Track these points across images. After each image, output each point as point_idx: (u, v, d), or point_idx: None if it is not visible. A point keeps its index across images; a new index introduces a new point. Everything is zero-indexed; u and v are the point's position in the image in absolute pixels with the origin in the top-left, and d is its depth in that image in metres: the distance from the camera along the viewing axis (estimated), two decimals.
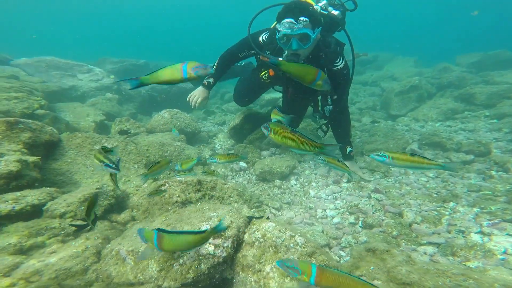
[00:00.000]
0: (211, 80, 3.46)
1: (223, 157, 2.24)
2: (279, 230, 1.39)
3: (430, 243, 2.22)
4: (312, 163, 3.86)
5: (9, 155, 2.09)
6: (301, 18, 2.46)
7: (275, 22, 3.48)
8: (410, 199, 2.87)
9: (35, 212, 1.85)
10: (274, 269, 1.27)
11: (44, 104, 4.23)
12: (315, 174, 3.52)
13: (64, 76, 6.58)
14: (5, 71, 5.63)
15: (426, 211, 2.64)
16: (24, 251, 1.52)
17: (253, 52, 3.22)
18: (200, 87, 3.51)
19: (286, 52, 2.73)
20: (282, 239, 1.35)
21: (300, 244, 1.32)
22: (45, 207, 1.85)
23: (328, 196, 3.03)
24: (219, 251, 1.29)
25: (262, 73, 3.27)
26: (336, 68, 2.93)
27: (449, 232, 2.33)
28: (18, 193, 1.89)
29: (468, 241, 2.14)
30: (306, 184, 3.29)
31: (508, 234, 2.21)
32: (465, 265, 1.93)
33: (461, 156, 3.71)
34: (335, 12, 3.11)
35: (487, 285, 1.35)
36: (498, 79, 6.24)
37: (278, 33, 2.63)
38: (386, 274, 1.29)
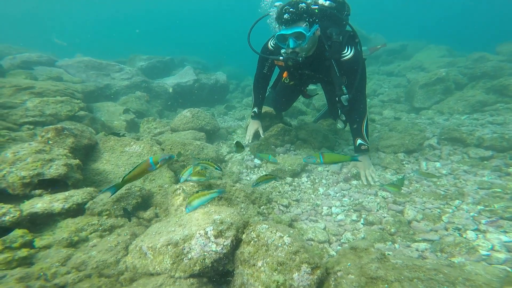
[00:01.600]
0: (255, 109, 3.77)
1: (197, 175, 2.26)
2: (271, 232, 1.64)
3: (425, 240, 2.35)
4: None
5: (58, 159, 2.53)
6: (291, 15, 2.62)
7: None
8: (417, 196, 2.94)
9: (79, 209, 2.27)
10: (265, 264, 1.53)
11: (83, 106, 4.79)
12: (327, 170, 3.67)
13: (99, 76, 7.17)
14: (52, 72, 6.35)
15: (430, 209, 2.72)
16: (73, 244, 1.92)
17: (270, 60, 3.37)
18: (250, 119, 3.88)
19: (285, 50, 2.89)
20: (272, 239, 1.60)
21: (287, 243, 1.56)
22: (86, 205, 2.26)
23: (337, 193, 3.18)
24: (220, 248, 1.57)
25: (283, 78, 3.37)
26: (344, 58, 2.96)
27: (446, 229, 2.43)
28: (67, 193, 2.31)
29: (456, 238, 2.24)
30: (317, 181, 3.46)
31: (503, 232, 2.30)
32: (450, 260, 2.07)
33: (479, 152, 3.65)
34: (326, 3, 3.14)
35: (453, 279, 1.55)
36: None
37: (276, 34, 2.81)
38: (359, 269, 1.49)
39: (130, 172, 1.73)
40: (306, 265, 1.48)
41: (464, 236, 2.35)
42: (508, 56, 7.29)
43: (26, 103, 4.19)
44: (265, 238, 1.60)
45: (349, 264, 1.55)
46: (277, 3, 3.05)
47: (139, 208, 2.43)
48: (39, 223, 2.07)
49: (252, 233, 1.65)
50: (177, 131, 4.58)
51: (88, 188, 2.46)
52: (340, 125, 3.39)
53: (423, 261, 1.97)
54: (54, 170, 2.42)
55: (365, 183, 3.21)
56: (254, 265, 1.55)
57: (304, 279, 1.47)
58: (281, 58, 2.99)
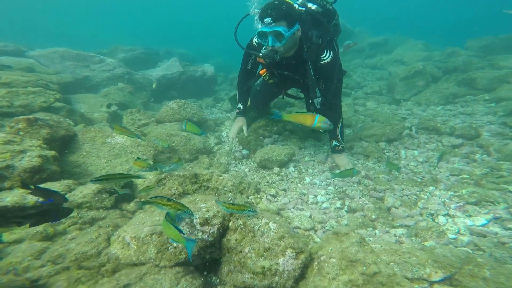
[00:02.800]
0: (240, 105, 3.67)
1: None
2: (257, 218, 1.64)
3: (402, 226, 2.46)
4: (313, 149, 4.05)
5: (31, 151, 2.40)
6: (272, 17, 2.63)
7: None
8: (396, 184, 3.05)
9: None
10: (251, 251, 1.53)
11: (59, 97, 4.56)
12: (314, 160, 3.72)
13: (77, 67, 6.85)
14: (21, 63, 5.93)
15: (407, 195, 2.84)
16: (49, 237, 1.85)
17: (253, 56, 3.32)
18: (236, 117, 3.74)
19: (265, 47, 2.89)
20: (259, 226, 1.60)
21: (272, 229, 1.57)
22: None
23: (322, 182, 3.24)
24: (206, 236, 1.56)
25: (264, 75, 3.36)
26: (322, 62, 2.98)
27: (421, 215, 2.56)
28: (42, 186, 2.21)
29: (429, 223, 2.36)
30: (303, 170, 3.50)
31: (468, 216, 2.46)
32: (423, 244, 2.19)
33: (452, 140, 3.85)
34: (313, 7, 3.13)
35: (424, 260, 1.70)
36: (502, 63, 6.21)
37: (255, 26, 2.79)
38: (340, 253, 1.54)
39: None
40: (291, 250, 1.51)
41: (436, 221, 2.48)
42: (475, 51, 7.69)
43: None
44: (252, 225, 1.61)
45: (330, 248, 1.59)
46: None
47: (123, 200, 2.37)
48: (11, 216, 1.97)
49: (238, 220, 1.65)
50: (163, 122, 4.48)
51: (66, 181, 2.37)
52: (320, 130, 3.44)
53: (400, 245, 2.06)
54: (27, 162, 2.30)
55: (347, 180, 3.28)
56: (241, 251, 1.56)
57: (289, 263, 1.49)
58: (260, 54, 2.98)
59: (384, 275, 1.39)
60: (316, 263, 1.56)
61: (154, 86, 6.68)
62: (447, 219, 2.45)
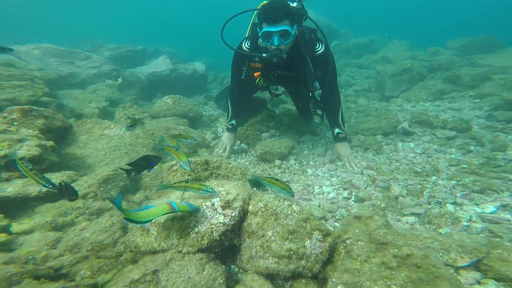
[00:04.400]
0: (233, 122, 3.61)
1: None
2: (279, 200, 1.61)
3: (412, 214, 2.49)
4: (310, 143, 4.07)
5: (29, 140, 2.25)
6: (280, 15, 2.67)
7: (249, 29, 3.61)
8: (398, 174, 3.11)
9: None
10: (275, 234, 1.50)
11: (47, 91, 4.35)
12: (313, 153, 3.74)
13: (61, 63, 6.56)
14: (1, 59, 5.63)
15: (412, 185, 2.89)
16: (58, 228, 1.74)
17: (246, 63, 3.31)
18: (225, 132, 3.66)
19: (268, 47, 2.89)
20: (281, 208, 1.57)
21: (296, 211, 1.54)
22: None
23: (325, 174, 3.26)
24: (228, 219, 1.50)
25: (257, 80, 3.34)
26: (317, 53, 3.10)
27: (429, 203, 2.60)
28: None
29: (442, 210, 2.41)
30: (304, 163, 3.51)
31: (475, 204, 2.52)
32: (437, 231, 2.20)
33: (446, 133, 3.97)
34: (294, 4, 3.22)
35: (447, 245, 1.67)
36: (481, 61, 6.54)
37: (260, 31, 2.80)
38: (368, 236, 1.53)
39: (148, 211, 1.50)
40: (318, 232, 1.48)
41: (444, 209, 2.52)
42: (456, 50, 8.11)
43: None
44: (274, 207, 1.57)
45: (357, 231, 1.58)
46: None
47: (128, 191, 2.27)
48: (12, 208, 1.84)
49: (259, 203, 1.61)
50: (157, 117, 4.37)
51: (68, 171, 2.25)
52: (317, 120, 3.46)
53: (419, 230, 2.08)
54: (26, 151, 2.17)
55: (349, 169, 3.31)
56: (263, 235, 1.52)
57: (316, 246, 1.47)
58: (264, 55, 2.94)
59: (417, 257, 1.38)
60: (342, 246, 1.54)
61: (119, 81, 6.31)
62: (455, 207, 2.49)
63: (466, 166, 3.19)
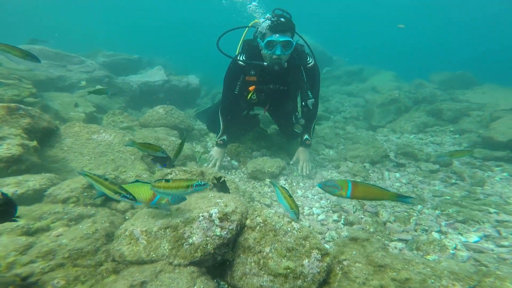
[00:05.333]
0: (224, 137, 3.61)
1: None
2: (278, 216, 1.56)
3: (400, 240, 2.51)
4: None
5: (10, 139, 2.11)
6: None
7: (239, 46, 3.72)
8: (386, 201, 3.15)
9: (36, 197, 1.90)
10: (273, 250, 1.43)
11: (34, 92, 4.18)
12: (302, 175, 3.74)
13: (52, 66, 6.37)
14: None
15: (399, 212, 2.94)
16: (31, 233, 1.58)
17: (241, 78, 3.41)
18: (215, 147, 3.65)
19: (268, 57, 3.03)
20: (281, 224, 1.52)
21: (296, 228, 1.50)
22: (47, 192, 1.91)
23: (314, 196, 3.24)
24: (225, 232, 1.43)
25: (249, 95, 3.41)
26: (309, 66, 3.34)
27: (415, 230, 2.64)
28: (20, 177, 1.93)
29: (429, 237, 2.45)
30: (294, 184, 3.49)
31: (459, 233, 2.59)
32: (425, 258, 2.22)
33: (429, 166, 4.11)
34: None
35: (439, 272, 1.64)
36: (461, 97, 6.96)
37: (263, 40, 2.96)
38: (365, 258, 1.50)
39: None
40: (317, 251, 1.44)
41: (431, 236, 2.55)
42: (438, 84, 8.58)
43: None
44: (273, 223, 1.52)
45: (354, 253, 1.55)
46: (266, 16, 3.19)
47: (112, 199, 2.12)
48: None
49: (258, 218, 1.55)
50: (148, 127, 4.26)
51: (48, 174, 2.09)
52: (298, 129, 3.63)
53: (410, 255, 2.07)
54: (5, 150, 2.03)
55: (300, 173, 3.45)
56: (260, 251, 1.45)
57: (314, 266, 1.41)
58: (265, 63, 3.08)
59: (416, 281, 1.36)
60: (338, 268, 1.50)
61: (83, 83, 6.09)
62: (440, 236, 2.55)
63: (449, 197, 3.30)
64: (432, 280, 1.70)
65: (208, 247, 1.38)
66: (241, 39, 3.73)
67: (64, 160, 2.63)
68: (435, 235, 2.56)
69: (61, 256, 1.37)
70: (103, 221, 1.66)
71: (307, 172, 3.51)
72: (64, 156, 2.66)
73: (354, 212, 2.90)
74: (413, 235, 2.57)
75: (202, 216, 1.45)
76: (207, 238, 1.40)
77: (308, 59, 3.36)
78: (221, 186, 1.91)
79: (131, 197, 1.33)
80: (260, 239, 1.47)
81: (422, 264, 1.77)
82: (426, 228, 2.66)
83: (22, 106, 2.52)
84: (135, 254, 1.37)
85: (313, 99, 3.27)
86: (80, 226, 1.63)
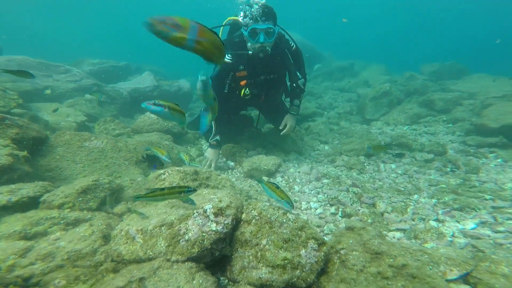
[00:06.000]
0: (218, 138, 3.61)
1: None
2: (273, 209, 1.57)
3: (398, 229, 2.52)
4: (296, 162, 4.10)
5: None
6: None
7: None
8: (382, 192, 3.17)
9: (30, 204, 1.89)
10: (270, 242, 1.43)
11: (21, 102, 4.14)
12: (299, 172, 3.75)
13: (38, 76, 6.32)
14: None
15: (395, 202, 2.95)
16: (29, 238, 1.57)
17: (230, 76, 3.47)
18: (209, 149, 3.64)
19: (253, 45, 3.15)
20: (276, 216, 1.52)
21: (291, 219, 1.50)
22: (42, 198, 1.89)
23: (311, 191, 3.25)
24: (220, 227, 1.43)
25: (242, 91, 3.46)
26: (293, 49, 3.56)
27: (413, 220, 2.66)
28: (13, 186, 1.91)
29: (427, 225, 2.46)
30: (291, 180, 3.50)
31: (456, 221, 2.60)
32: (423, 246, 2.22)
33: (424, 155, 4.13)
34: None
35: (437, 258, 1.67)
36: (452, 87, 6.96)
37: (247, 29, 3.09)
38: (362, 246, 1.51)
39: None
40: (313, 241, 1.44)
41: (429, 225, 2.57)
42: (429, 75, 8.62)
43: None
44: (268, 215, 1.52)
45: (351, 241, 1.55)
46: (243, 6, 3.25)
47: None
48: None
49: (253, 211, 1.55)
50: (140, 133, 4.24)
51: (41, 182, 2.07)
52: (294, 111, 3.80)
53: (408, 243, 2.08)
54: None
55: (284, 131, 3.66)
56: (257, 244, 1.45)
57: (312, 255, 1.42)
58: (250, 52, 3.19)
59: (413, 267, 1.37)
60: (336, 257, 1.50)
61: (47, 92, 6.00)
62: (437, 224, 2.56)
63: (445, 186, 3.31)
64: (430, 267, 1.71)
65: (205, 242, 1.38)
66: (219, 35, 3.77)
67: (57, 169, 2.61)
68: (433, 223, 2.57)
69: (60, 258, 1.37)
70: (99, 224, 1.65)
71: (288, 132, 3.75)
72: (57, 165, 2.63)
73: (351, 205, 2.91)
74: (410, 224, 2.58)
75: (197, 212, 1.45)
76: (203, 234, 1.39)
77: (291, 43, 3.55)
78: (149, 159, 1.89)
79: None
80: (257, 232, 1.47)
81: (419, 251, 1.79)
82: (424, 217, 2.67)
83: (8, 116, 2.49)
84: (133, 253, 1.37)
85: (303, 79, 3.47)
86: (77, 230, 1.62)
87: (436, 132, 5.23)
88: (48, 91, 5.59)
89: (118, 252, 1.39)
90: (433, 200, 2.97)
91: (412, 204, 2.94)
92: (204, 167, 3.51)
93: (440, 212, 2.75)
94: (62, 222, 1.71)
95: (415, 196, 3.10)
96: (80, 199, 1.91)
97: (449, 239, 2.31)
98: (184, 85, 7.62)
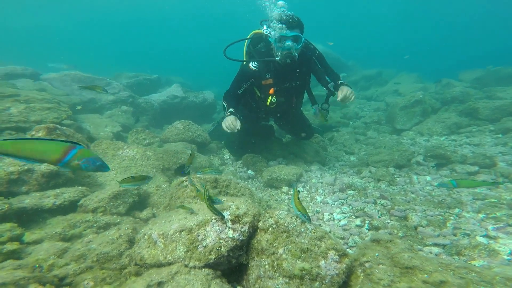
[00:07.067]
0: (231, 110, 3.40)
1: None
2: (291, 217, 1.55)
3: (435, 244, 2.31)
4: (319, 172, 4.02)
5: None
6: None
7: (244, 57, 3.83)
8: (416, 205, 2.97)
9: (70, 207, 2.07)
10: (286, 251, 1.42)
11: (71, 114, 4.57)
12: (321, 182, 3.67)
13: (85, 89, 6.93)
14: (36, 85, 6.10)
15: (432, 216, 2.74)
16: (67, 239, 1.73)
17: (249, 82, 3.56)
18: (229, 116, 3.29)
19: (280, 52, 3.20)
20: (294, 225, 1.50)
21: (310, 229, 1.47)
22: (80, 202, 2.07)
23: (335, 202, 3.16)
24: (237, 234, 1.44)
25: (269, 99, 3.50)
26: (317, 54, 3.64)
27: (454, 235, 2.43)
28: (58, 190, 2.13)
29: (473, 242, 2.22)
30: (313, 191, 3.43)
31: None
32: (469, 263, 1.99)
33: (466, 167, 3.79)
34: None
35: (489, 278, 1.41)
36: (500, 94, 6.28)
37: (273, 36, 3.18)
38: (390, 259, 1.42)
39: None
40: (334, 252, 1.40)
41: (473, 241, 2.31)
42: (470, 83, 7.97)
43: (10, 109, 3.92)
44: (286, 224, 1.51)
45: (377, 254, 1.47)
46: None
47: (135, 208, 2.24)
48: (26, 220, 1.85)
49: (270, 219, 1.55)
50: (168, 142, 4.45)
51: (80, 187, 2.27)
52: (325, 114, 3.74)
53: (448, 259, 1.90)
54: (46, 166, 2.22)
55: (341, 97, 3.28)
56: (273, 253, 1.44)
57: (332, 267, 1.37)
58: (277, 59, 3.25)
59: (454, 284, 1.23)
60: (360, 270, 1.43)
61: (79, 108, 6.12)
62: (487, 240, 2.31)
63: (495, 200, 2.98)
64: (482, 287, 1.48)
65: (222, 249, 1.40)
66: (244, 51, 3.89)
67: (94, 175, 2.82)
68: (481, 239, 2.32)
69: (90, 260, 1.48)
70: (126, 228, 1.76)
71: (351, 98, 3.35)
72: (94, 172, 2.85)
73: (379, 217, 2.77)
74: (451, 239, 2.36)
75: (215, 218, 1.48)
76: (220, 241, 1.42)
77: (316, 50, 3.65)
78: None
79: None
80: (273, 241, 1.47)
81: (464, 268, 1.52)
82: (468, 232, 2.43)
83: (58, 126, 2.78)
84: (154, 257, 1.43)
85: (332, 82, 3.46)
86: (107, 233, 1.74)
87: (481, 143, 4.69)
88: (79, 107, 6.10)
89: (141, 256, 1.46)
90: (480, 215, 2.71)
91: (452, 218, 2.71)
92: (229, 126, 3.14)
93: (490, 228, 2.47)
94: (95, 225, 1.86)
95: (456, 210, 2.85)
96: (111, 203, 2.05)
97: (506, 257, 2.05)
98: (208, 96, 7.90)
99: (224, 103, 3.62)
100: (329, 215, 2.85)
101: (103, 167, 1.16)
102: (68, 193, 2.08)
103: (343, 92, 3.28)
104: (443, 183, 2.71)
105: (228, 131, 3.11)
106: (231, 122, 3.11)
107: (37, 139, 1.12)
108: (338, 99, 3.25)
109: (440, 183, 2.85)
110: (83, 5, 28.20)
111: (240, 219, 1.50)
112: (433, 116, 6.05)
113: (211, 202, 1.41)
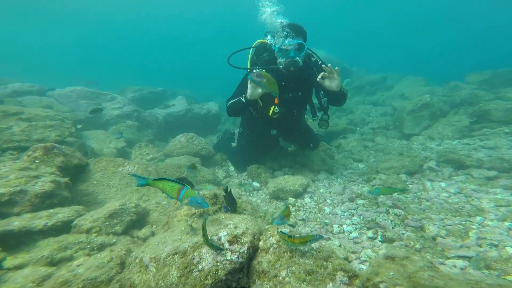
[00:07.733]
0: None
1: None
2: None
3: (459, 257, 2.12)
4: (327, 182, 3.87)
5: (44, 177, 2.27)
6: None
7: (249, 61, 3.76)
8: (432, 213, 2.79)
9: (64, 227, 1.99)
10: (290, 274, 1.29)
11: (73, 130, 4.57)
12: (330, 192, 3.51)
13: (90, 105, 6.94)
14: (42, 102, 6.18)
15: (451, 225, 2.56)
16: (54, 263, 1.63)
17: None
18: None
19: (284, 60, 3.16)
20: None
21: (315, 248, 1.35)
22: (74, 222, 1.98)
23: (344, 212, 3.00)
24: (235, 256, 1.32)
25: (271, 109, 3.35)
26: (319, 66, 3.42)
27: (479, 245, 2.24)
28: (51, 210, 2.05)
29: (503, 253, 2.03)
30: (321, 201, 3.28)
31: None
32: (505, 279, 1.80)
33: (483, 172, 3.59)
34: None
35: None
36: (511, 95, 6.06)
37: (276, 44, 3.13)
38: (407, 279, 1.27)
39: (162, 180, 1.48)
40: (342, 273, 1.26)
41: (503, 253, 2.11)
42: (478, 84, 7.69)
43: (13, 128, 3.94)
44: None
45: (392, 274, 1.33)
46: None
47: (133, 227, 2.14)
48: (14, 243, 1.76)
49: (271, 238, 1.43)
50: (171, 156, 4.39)
51: (76, 206, 2.19)
52: (324, 126, 3.62)
53: (478, 274, 1.72)
54: (40, 187, 2.18)
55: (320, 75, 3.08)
56: (276, 276, 1.31)
57: None
58: (281, 67, 3.20)
59: None
60: None
61: (79, 126, 6.19)
62: None
63: None
64: None
65: (219, 273, 1.28)
66: (249, 59, 3.84)
67: (94, 193, 2.76)
68: (511, 250, 2.12)
69: (75, 287, 1.36)
70: (119, 250, 1.65)
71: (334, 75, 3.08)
72: (94, 189, 2.79)
73: (392, 228, 2.60)
74: (477, 251, 2.17)
75: (211, 239, 1.37)
76: (217, 263, 1.30)
77: (319, 61, 3.54)
78: (229, 197, 1.87)
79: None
80: (275, 262, 1.34)
81: (499, 286, 1.38)
82: (496, 242, 2.24)
83: (56, 145, 2.73)
84: (145, 283, 1.31)
85: (326, 98, 3.40)
86: (99, 255, 1.64)
87: (497, 146, 4.44)
88: (79, 126, 6.15)
89: (131, 281, 1.35)
90: (507, 223, 2.51)
91: (474, 227, 2.52)
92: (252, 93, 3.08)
93: None
94: (88, 247, 1.76)
95: (478, 218, 2.66)
96: (107, 223, 1.96)
97: None
98: (213, 107, 7.88)
99: (230, 103, 3.52)
100: (338, 227, 2.69)
101: (202, 205, 1.40)
102: (62, 213, 2.00)
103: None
104: (370, 190, 2.75)
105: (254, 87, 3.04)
106: (252, 84, 3.05)
107: (166, 179, 1.48)
108: (317, 79, 3.13)
109: (368, 191, 2.84)
110: (89, 21, 29.13)
111: (239, 239, 1.38)
112: (442, 119, 5.85)
113: (206, 239, 1.32)
